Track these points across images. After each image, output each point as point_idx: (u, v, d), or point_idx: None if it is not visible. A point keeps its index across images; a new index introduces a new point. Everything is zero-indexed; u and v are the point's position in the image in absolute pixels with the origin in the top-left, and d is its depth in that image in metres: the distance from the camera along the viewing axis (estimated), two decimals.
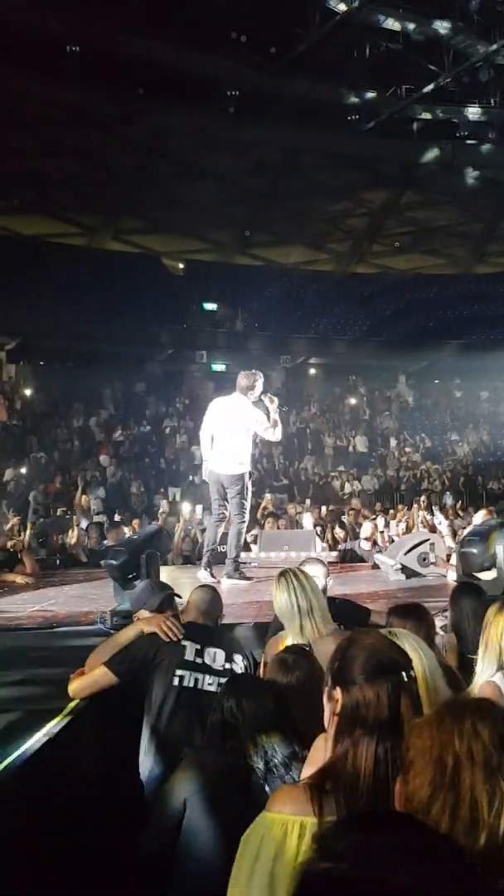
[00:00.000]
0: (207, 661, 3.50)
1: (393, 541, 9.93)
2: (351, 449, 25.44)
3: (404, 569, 7.73)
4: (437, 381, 31.88)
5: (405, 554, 7.80)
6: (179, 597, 4.21)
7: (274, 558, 9.30)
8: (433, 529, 10.30)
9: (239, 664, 3.58)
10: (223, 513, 7.69)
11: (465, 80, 26.79)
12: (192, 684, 3.45)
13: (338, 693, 1.88)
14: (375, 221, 33.76)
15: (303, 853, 1.76)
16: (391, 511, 15.62)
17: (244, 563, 8.30)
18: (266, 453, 21.15)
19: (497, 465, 24.52)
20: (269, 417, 7.60)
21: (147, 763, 3.44)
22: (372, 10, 23.93)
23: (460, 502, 18.64)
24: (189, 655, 3.50)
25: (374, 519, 12.03)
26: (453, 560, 7.57)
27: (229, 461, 7.56)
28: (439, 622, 4.25)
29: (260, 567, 8.79)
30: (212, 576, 7.50)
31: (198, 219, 30.88)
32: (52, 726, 3.38)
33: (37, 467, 19.38)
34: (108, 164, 29.03)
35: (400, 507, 16.18)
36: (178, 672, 3.46)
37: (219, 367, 28.23)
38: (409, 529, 11.74)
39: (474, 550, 5.66)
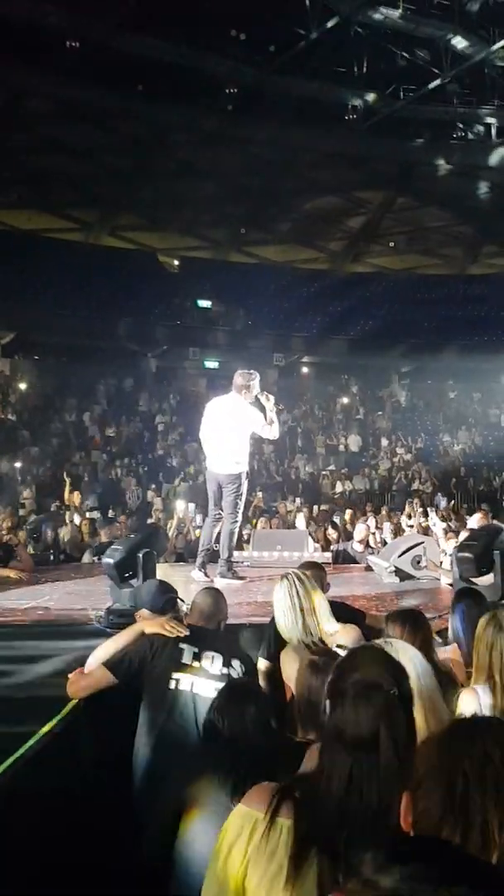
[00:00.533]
0: (205, 665, 3.46)
1: (386, 542, 9.95)
2: (342, 448, 25.46)
3: (398, 571, 7.74)
4: (429, 382, 31.90)
5: (399, 556, 7.82)
6: (182, 601, 4.21)
7: (267, 558, 9.33)
8: (427, 532, 10.32)
9: (237, 669, 3.54)
10: (219, 513, 7.71)
11: (465, 80, 26.82)
12: (188, 688, 3.41)
13: (328, 707, 1.88)
14: (371, 221, 33.77)
15: (251, 848, 1.85)
16: (383, 511, 15.63)
17: (237, 562, 8.31)
18: (258, 451, 21.14)
19: (488, 467, 24.56)
20: (265, 416, 7.62)
21: (140, 767, 3.43)
22: (372, 10, 23.90)
23: (452, 502, 18.71)
24: (186, 659, 3.46)
25: (366, 520, 12.05)
26: (446, 564, 7.60)
27: (227, 460, 7.58)
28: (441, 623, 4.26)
29: (253, 567, 8.80)
30: (206, 576, 7.51)
31: (194, 216, 30.88)
32: (52, 726, 3.39)
33: (30, 462, 19.36)
34: (105, 160, 28.97)
35: (384, 510, 16.09)
36: (175, 675, 3.43)
37: (212, 364, 28.27)
38: (398, 533, 11.76)
39: (471, 555, 5.66)
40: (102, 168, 29.18)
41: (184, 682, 3.42)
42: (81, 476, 18.73)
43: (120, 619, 4.91)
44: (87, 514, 13.66)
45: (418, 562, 7.77)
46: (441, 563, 8.00)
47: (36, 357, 27.06)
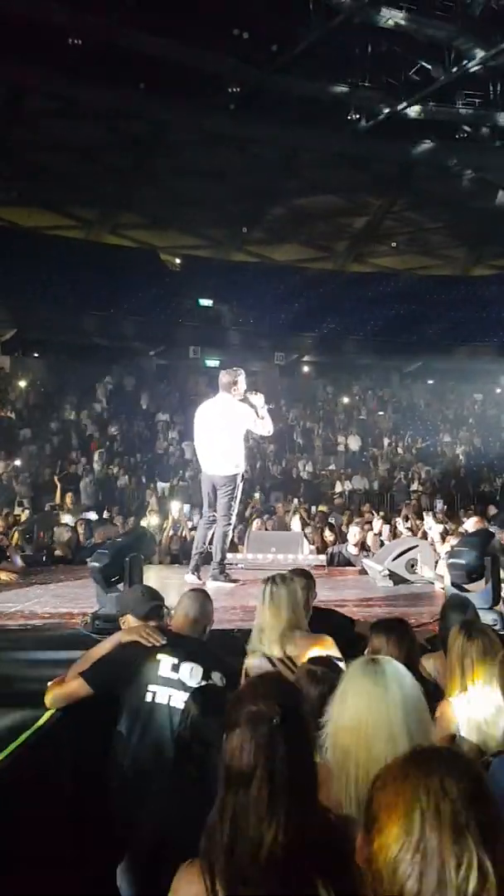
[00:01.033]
0: (183, 677, 3.33)
1: (382, 544, 9.90)
2: (342, 448, 25.38)
3: (392, 575, 7.70)
4: (430, 382, 31.86)
5: (393, 560, 7.78)
6: (168, 609, 4.11)
7: (261, 560, 9.27)
8: (424, 535, 10.27)
9: (217, 682, 3.40)
10: (214, 515, 7.65)
11: (465, 80, 26.73)
12: (164, 701, 3.30)
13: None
14: (373, 221, 33.71)
15: None
16: (381, 513, 15.53)
17: (230, 564, 8.26)
18: (257, 451, 21.08)
19: (489, 468, 24.47)
20: (256, 412, 7.57)
21: (115, 780, 3.34)
22: (373, 10, 23.82)
23: (450, 505, 18.61)
24: (164, 671, 3.34)
25: (361, 523, 11.97)
26: (441, 568, 7.53)
27: (222, 462, 7.53)
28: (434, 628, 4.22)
29: (246, 569, 8.75)
30: (198, 579, 7.45)
31: (195, 215, 30.81)
32: (27, 737, 3.33)
33: (28, 460, 19.29)
34: (107, 158, 28.97)
35: (381, 513, 15.96)
36: (151, 688, 3.32)
37: (213, 362, 28.15)
38: (394, 536, 11.69)
39: (464, 561, 5.60)
40: (103, 166, 29.18)
41: (160, 694, 3.30)
42: (79, 475, 18.63)
43: (106, 624, 4.82)
44: (83, 515, 13.57)
45: (412, 566, 7.73)
46: (437, 566, 7.95)
47: (36, 354, 27.03)
